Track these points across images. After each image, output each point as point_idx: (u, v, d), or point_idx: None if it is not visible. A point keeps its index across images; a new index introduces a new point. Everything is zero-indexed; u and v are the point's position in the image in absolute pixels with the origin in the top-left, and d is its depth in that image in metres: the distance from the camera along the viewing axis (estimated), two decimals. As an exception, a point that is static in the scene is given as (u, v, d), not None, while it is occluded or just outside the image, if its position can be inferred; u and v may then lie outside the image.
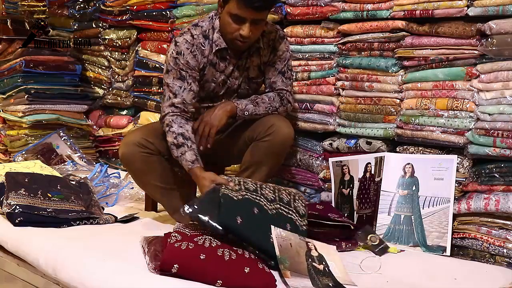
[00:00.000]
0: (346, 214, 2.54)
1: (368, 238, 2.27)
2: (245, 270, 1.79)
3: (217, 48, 2.37)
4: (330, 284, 1.80)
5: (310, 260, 1.90)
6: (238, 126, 2.55)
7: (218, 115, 2.37)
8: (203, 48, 2.38)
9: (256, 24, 2.27)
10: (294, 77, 2.73)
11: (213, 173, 2.22)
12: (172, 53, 2.37)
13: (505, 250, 2.15)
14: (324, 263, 1.91)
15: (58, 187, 2.56)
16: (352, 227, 2.30)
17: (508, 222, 2.16)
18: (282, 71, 2.51)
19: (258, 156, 2.40)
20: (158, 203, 2.75)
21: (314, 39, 2.75)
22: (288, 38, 2.69)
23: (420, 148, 2.45)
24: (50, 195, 2.46)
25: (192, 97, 2.38)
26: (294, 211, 2.12)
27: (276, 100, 2.46)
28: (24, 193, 2.40)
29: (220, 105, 2.40)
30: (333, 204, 2.62)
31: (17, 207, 2.33)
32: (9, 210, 2.33)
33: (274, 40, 2.49)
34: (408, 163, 2.43)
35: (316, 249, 1.98)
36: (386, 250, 2.24)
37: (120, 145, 2.47)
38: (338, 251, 2.21)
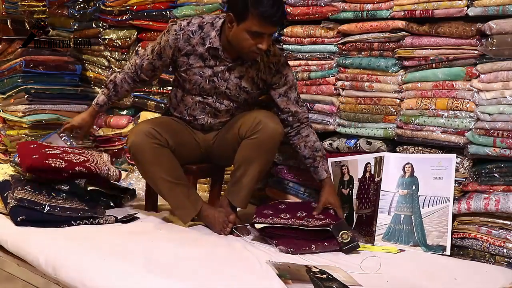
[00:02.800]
0: (345, 214, 2.55)
1: (340, 234, 2.25)
2: None
3: (209, 45, 2.43)
4: (334, 286, 1.79)
5: (311, 273, 1.90)
6: (229, 124, 2.57)
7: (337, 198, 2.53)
8: (191, 36, 2.46)
9: (270, 36, 2.35)
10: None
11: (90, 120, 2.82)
12: (165, 30, 2.56)
13: (505, 250, 2.15)
14: (326, 274, 1.90)
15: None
16: (330, 229, 2.27)
17: (508, 222, 2.17)
18: (297, 99, 2.57)
19: (248, 154, 2.42)
20: (158, 203, 2.75)
21: (314, 39, 2.75)
22: (288, 40, 2.82)
23: (420, 148, 2.45)
24: (55, 194, 2.48)
25: (148, 68, 2.63)
26: None
27: (314, 135, 2.59)
28: (29, 189, 2.44)
29: (331, 189, 2.52)
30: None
31: (23, 200, 2.36)
32: (14, 204, 2.35)
33: (279, 63, 2.53)
34: (408, 163, 2.43)
35: (315, 267, 1.98)
36: (354, 249, 2.22)
37: (129, 135, 2.48)
38: (320, 251, 2.21)
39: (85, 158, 2.65)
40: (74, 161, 2.58)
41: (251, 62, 2.47)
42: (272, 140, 2.42)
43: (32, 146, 2.75)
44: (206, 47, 2.44)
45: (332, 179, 2.64)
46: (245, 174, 2.43)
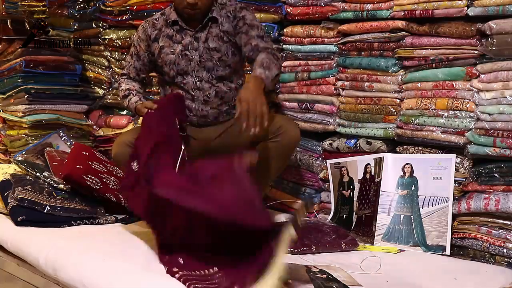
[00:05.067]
0: (345, 216, 2.55)
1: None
2: None
3: (169, 20, 2.53)
4: (334, 286, 1.79)
5: (311, 273, 1.89)
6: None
7: (257, 92, 2.13)
8: (155, 22, 2.59)
9: None
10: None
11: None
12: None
13: (505, 250, 2.15)
14: (326, 274, 1.90)
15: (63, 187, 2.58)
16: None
17: (508, 222, 2.16)
18: (260, 35, 2.46)
19: (265, 157, 2.40)
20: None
21: (314, 39, 2.75)
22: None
23: (420, 148, 2.45)
24: (55, 194, 2.48)
25: (135, 73, 2.65)
26: None
27: (271, 57, 2.34)
28: (30, 189, 2.44)
29: (249, 84, 2.19)
30: (332, 206, 2.63)
31: (23, 200, 2.36)
32: (15, 204, 2.35)
33: (235, 10, 2.51)
34: (407, 163, 2.43)
35: (315, 267, 1.98)
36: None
37: (113, 146, 2.50)
38: (338, 252, 2.22)
39: None
40: (110, 186, 2.61)
41: (211, 22, 2.49)
42: (291, 146, 2.44)
43: (84, 153, 2.78)
44: (168, 24, 2.53)
45: (331, 179, 2.65)
46: (259, 177, 2.39)
